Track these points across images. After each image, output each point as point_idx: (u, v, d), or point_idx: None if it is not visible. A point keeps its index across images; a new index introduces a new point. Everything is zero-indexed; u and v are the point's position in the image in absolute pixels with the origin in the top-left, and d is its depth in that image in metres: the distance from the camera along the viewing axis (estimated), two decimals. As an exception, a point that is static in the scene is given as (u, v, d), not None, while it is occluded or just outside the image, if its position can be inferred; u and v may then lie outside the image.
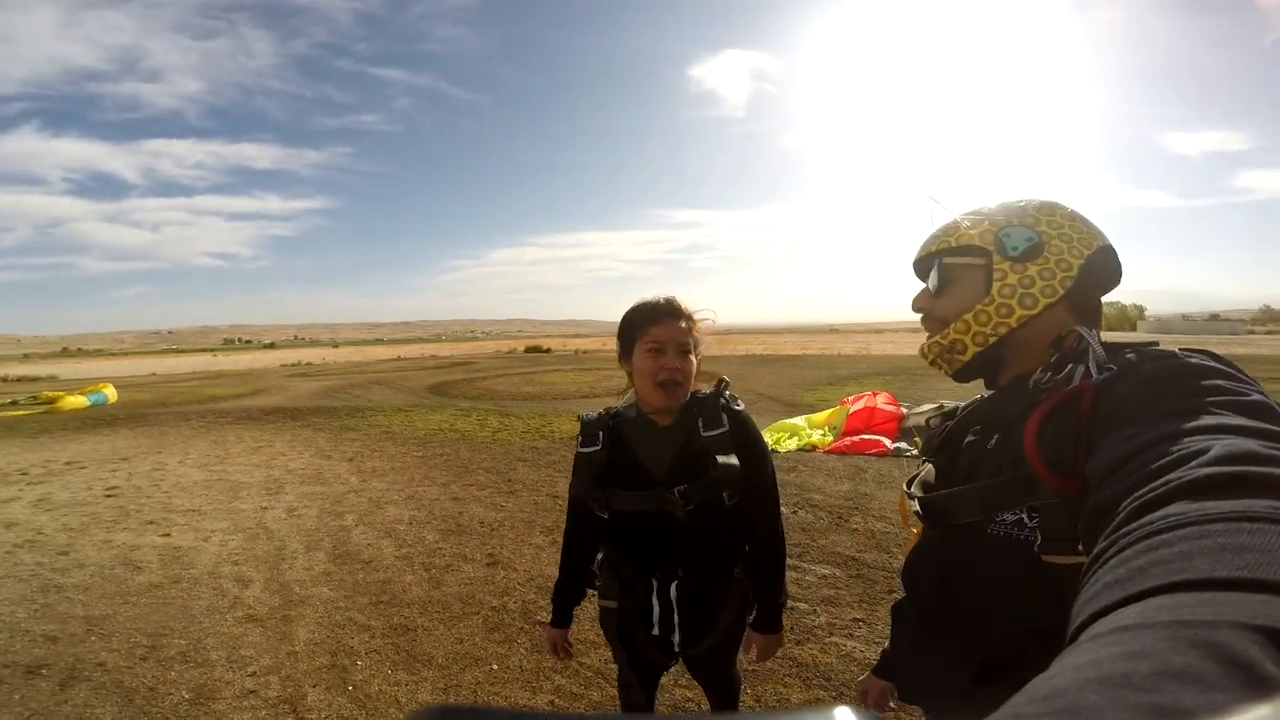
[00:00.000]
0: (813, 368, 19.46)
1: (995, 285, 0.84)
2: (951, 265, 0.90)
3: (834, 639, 2.70)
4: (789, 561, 3.51)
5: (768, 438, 7.03)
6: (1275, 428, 0.46)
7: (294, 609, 3.24)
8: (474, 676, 2.56)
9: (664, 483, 1.41)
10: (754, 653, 1.53)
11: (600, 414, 1.52)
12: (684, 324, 1.40)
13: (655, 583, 1.46)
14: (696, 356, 1.44)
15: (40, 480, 6.44)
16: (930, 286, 0.94)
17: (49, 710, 2.38)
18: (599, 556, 1.58)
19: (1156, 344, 0.74)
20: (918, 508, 0.94)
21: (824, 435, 7.13)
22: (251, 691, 2.49)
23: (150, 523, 4.83)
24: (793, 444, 6.87)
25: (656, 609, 1.46)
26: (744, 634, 1.54)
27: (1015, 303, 0.83)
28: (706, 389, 1.49)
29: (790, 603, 3.03)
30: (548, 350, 42.41)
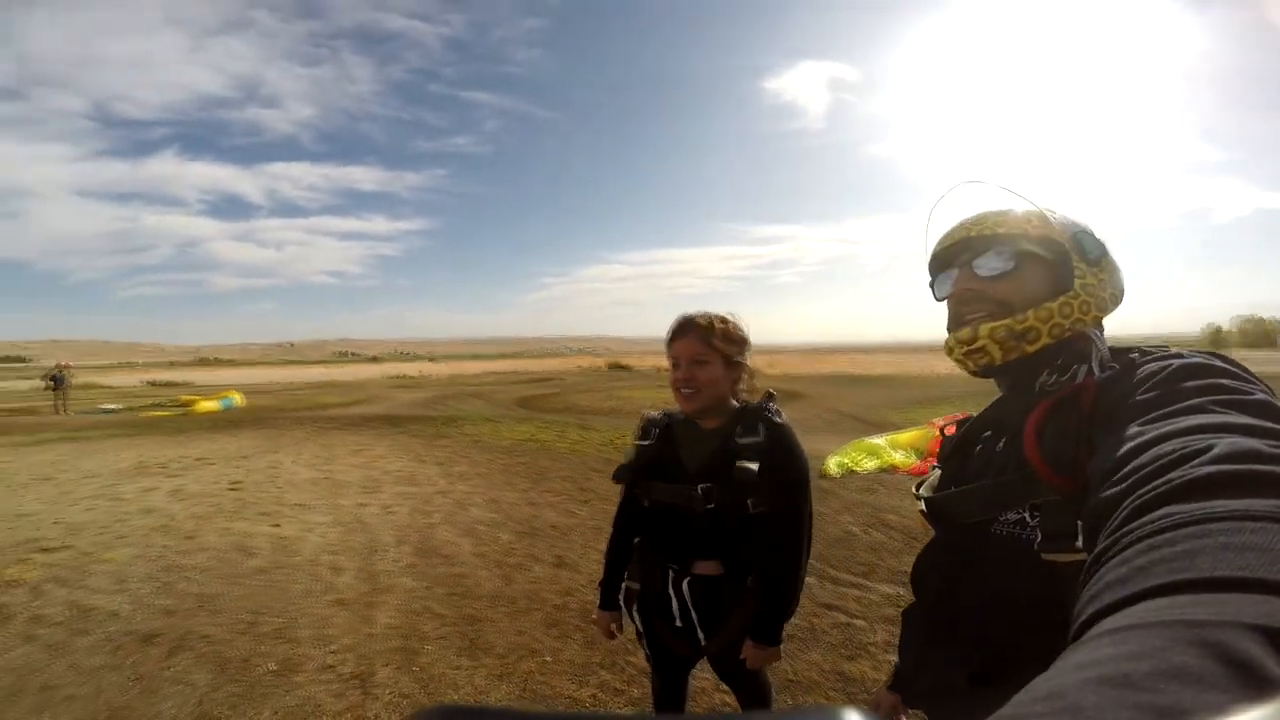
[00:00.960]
0: (904, 387, 18.59)
1: (1078, 282, 0.83)
2: (1028, 253, 0.86)
3: (888, 657, 2.62)
4: (853, 579, 3.47)
5: (843, 459, 6.83)
6: (1278, 426, 0.46)
7: (378, 596, 3.49)
8: (528, 666, 2.68)
9: (693, 479, 1.48)
10: (746, 658, 1.49)
11: (660, 414, 1.66)
12: (698, 335, 1.48)
13: (671, 574, 1.52)
14: (731, 363, 1.50)
15: (176, 473, 7.21)
16: (985, 268, 0.88)
17: (153, 674, 2.67)
18: (636, 540, 1.67)
19: (1167, 347, 0.73)
20: (923, 507, 0.96)
21: (906, 456, 6.84)
22: (329, 667, 2.72)
23: (264, 514, 5.30)
24: (872, 464, 6.63)
25: (674, 600, 1.52)
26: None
27: (1094, 302, 0.82)
28: (756, 400, 1.57)
29: (848, 619, 2.99)
30: (628, 367, 42.92)
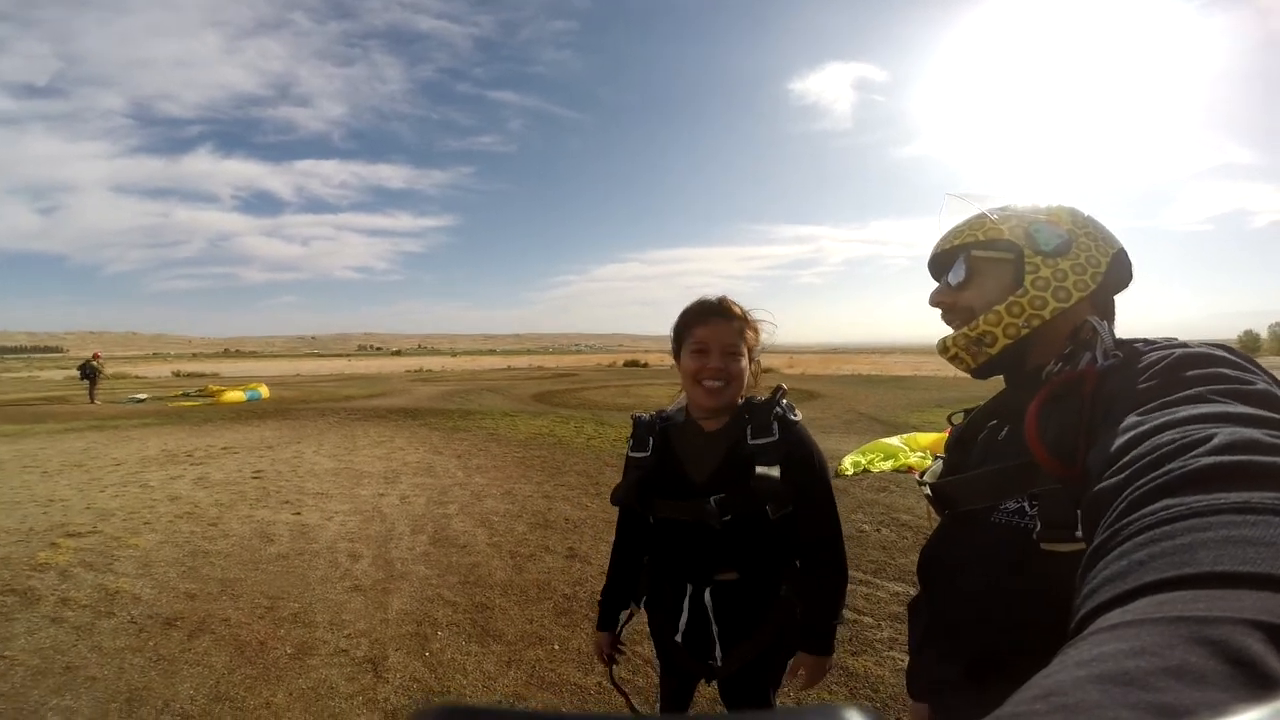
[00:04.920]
0: (922, 389, 18.37)
1: (1028, 278, 0.84)
2: (979, 258, 0.90)
3: (892, 653, 2.63)
4: (863, 576, 3.47)
5: (859, 458, 6.78)
6: (1279, 416, 0.44)
7: (393, 583, 3.57)
8: (536, 654, 2.73)
9: (703, 491, 1.35)
10: (801, 677, 1.35)
11: (652, 416, 1.49)
12: (733, 324, 1.34)
13: (690, 588, 1.40)
14: (751, 360, 1.39)
15: (201, 462, 7.39)
16: (952, 280, 0.93)
17: (174, 656, 2.75)
18: (645, 559, 1.55)
19: (1174, 339, 0.71)
20: (928, 492, 0.96)
21: (924, 457, 6.77)
22: (343, 650, 2.78)
23: (286, 502, 5.43)
24: (887, 465, 6.58)
25: (684, 616, 1.40)
26: (786, 663, 1.41)
27: (1049, 295, 0.83)
28: (763, 396, 1.41)
29: (855, 616, 2.99)
30: (645, 364, 42.98)
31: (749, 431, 1.33)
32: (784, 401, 1.38)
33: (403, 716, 2.27)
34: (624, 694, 1.67)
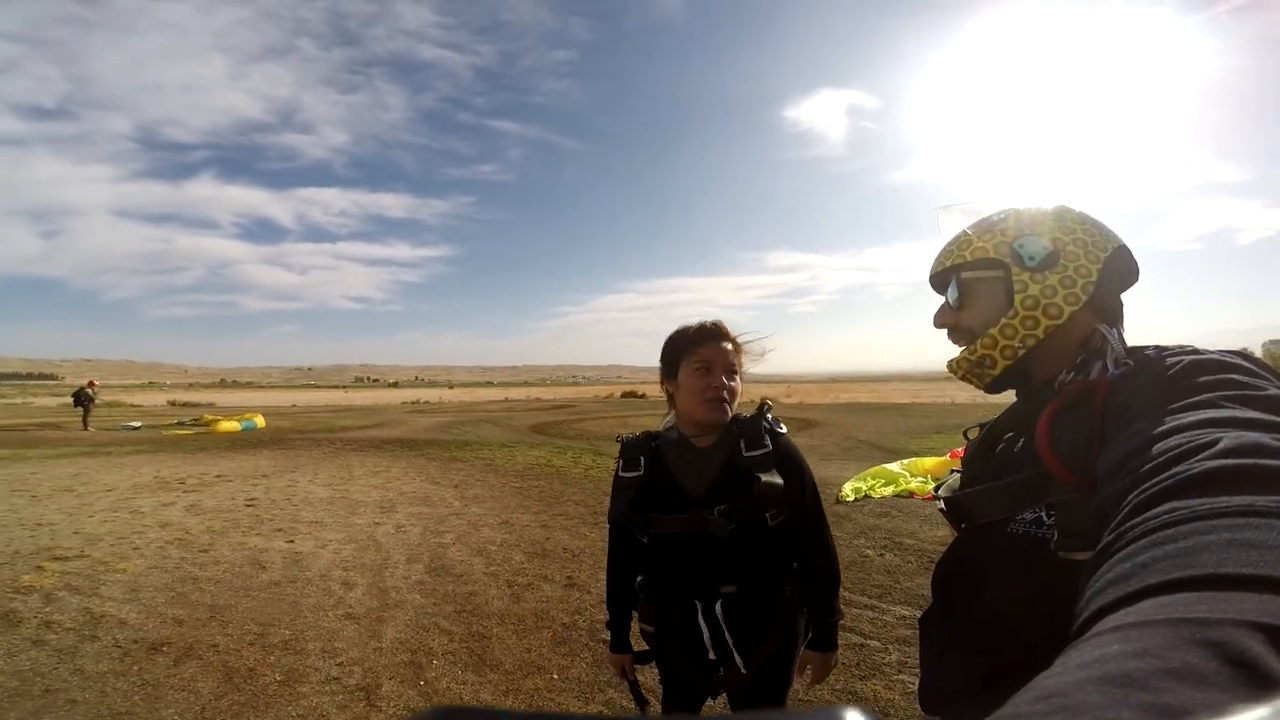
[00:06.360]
0: (921, 416, 18.41)
1: (1017, 298, 0.83)
2: (969, 279, 0.90)
3: (901, 676, 2.58)
4: (868, 601, 3.43)
5: (860, 484, 6.74)
6: None
7: (388, 611, 3.48)
8: (534, 683, 2.65)
9: (702, 504, 1.39)
10: (808, 674, 1.43)
11: (640, 436, 1.52)
12: (730, 346, 1.42)
13: (699, 604, 1.41)
14: (740, 381, 1.44)
15: (194, 489, 7.28)
16: (950, 301, 0.93)
17: (159, 681, 2.68)
18: (639, 579, 1.56)
19: (1185, 345, 0.71)
20: (943, 506, 0.95)
21: (924, 483, 6.73)
22: (335, 679, 2.71)
23: (279, 530, 5.33)
24: (888, 491, 6.53)
25: (706, 631, 1.41)
26: (792, 667, 1.46)
27: (1040, 314, 0.82)
28: (747, 413, 1.48)
29: (862, 640, 2.95)
30: (642, 395, 43.14)
31: (743, 445, 1.40)
32: (770, 415, 1.47)
33: None
34: (642, 700, 1.70)
